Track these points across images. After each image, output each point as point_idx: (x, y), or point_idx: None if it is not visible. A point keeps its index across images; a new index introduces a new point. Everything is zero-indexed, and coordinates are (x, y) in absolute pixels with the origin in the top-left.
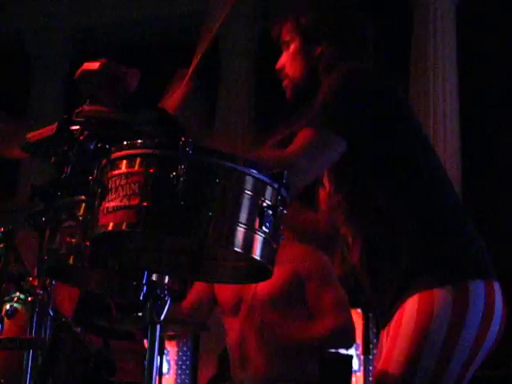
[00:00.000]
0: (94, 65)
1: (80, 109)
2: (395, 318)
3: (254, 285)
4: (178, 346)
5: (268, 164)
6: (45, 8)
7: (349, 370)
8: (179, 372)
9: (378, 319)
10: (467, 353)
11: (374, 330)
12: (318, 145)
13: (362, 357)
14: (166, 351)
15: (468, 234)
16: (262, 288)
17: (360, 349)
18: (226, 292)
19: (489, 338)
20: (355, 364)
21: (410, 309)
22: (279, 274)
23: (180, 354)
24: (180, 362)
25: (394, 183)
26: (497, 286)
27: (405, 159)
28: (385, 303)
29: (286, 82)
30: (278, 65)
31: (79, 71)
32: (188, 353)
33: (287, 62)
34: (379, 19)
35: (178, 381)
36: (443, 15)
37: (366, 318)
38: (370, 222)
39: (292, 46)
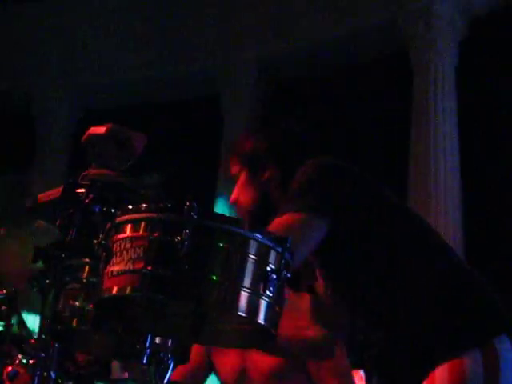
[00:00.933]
0: (101, 129)
1: (86, 172)
2: None
3: (255, 354)
4: None
5: None
6: (50, 68)
7: None
8: None
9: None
10: None
11: None
12: (299, 226)
13: None
14: None
15: (480, 292)
16: (262, 359)
17: None
18: (227, 364)
19: None
20: None
21: (440, 380)
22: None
23: None
24: None
25: (393, 263)
26: None
27: (404, 234)
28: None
29: (241, 213)
30: (232, 199)
31: (86, 135)
32: None
33: (239, 193)
34: (380, 79)
35: None
36: (444, 76)
37: (368, 381)
38: (380, 309)
39: (241, 177)
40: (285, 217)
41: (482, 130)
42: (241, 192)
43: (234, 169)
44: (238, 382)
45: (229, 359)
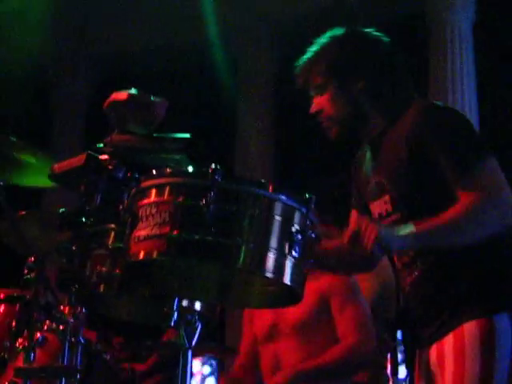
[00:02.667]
0: (123, 95)
1: (109, 138)
2: (451, 341)
3: (286, 311)
4: (202, 367)
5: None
6: (67, 36)
7: None
8: None
9: (415, 340)
10: None
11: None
12: (494, 174)
13: (391, 378)
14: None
15: None
16: (290, 312)
17: (389, 370)
18: (260, 321)
19: None
20: None
21: (471, 334)
22: (307, 298)
23: (205, 376)
24: None
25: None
26: None
27: None
28: (429, 325)
29: (328, 124)
30: (314, 108)
31: (108, 101)
32: (213, 375)
33: (326, 104)
34: (396, 39)
35: None
36: (460, 32)
37: (394, 339)
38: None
39: (329, 88)
40: (477, 176)
41: (500, 88)
42: (328, 103)
43: (317, 79)
44: (268, 337)
45: (262, 317)
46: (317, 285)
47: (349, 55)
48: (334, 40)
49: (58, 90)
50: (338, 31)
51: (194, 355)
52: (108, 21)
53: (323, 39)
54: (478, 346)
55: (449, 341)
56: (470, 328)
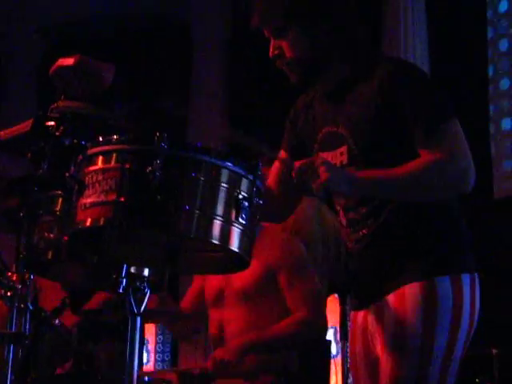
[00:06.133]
0: (69, 60)
1: (55, 104)
2: (392, 302)
3: (233, 279)
4: (156, 335)
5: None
6: (15, 3)
7: (327, 356)
8: (159, 361)
9: (353, 301)
10: (465, 335)
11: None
12: (457, 137)
13: (340, 342)
14: (145, 341)
15: (465, 234)
16: (237, 280)
17: (338, 334)
18: (210, 285)
19: (475, 323)
20: (333, 349)
21: (412, 294)
22: (252, 269)
23: (159, 343)
24: (159, 352)
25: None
26: (478, 279)
27: None
28: (369, 285)
29: (288, 68)
30: (274, 52)
31: (54, 67)
32: (168, 342)
33: (287, 47)
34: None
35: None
36: None
37: (343, 304)
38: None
39: (290, 31)
40: (437, 136)
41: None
42: (289, 46)
43: (276, 21)
44: (215, 301)
45: (212, 279)
46: (265, 256)
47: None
48: None
49: (7, 59)
50: None
51: (147, 321)
52: None
53: None
54: (420, 308)
55: (389, 301)
56: (411, 290)
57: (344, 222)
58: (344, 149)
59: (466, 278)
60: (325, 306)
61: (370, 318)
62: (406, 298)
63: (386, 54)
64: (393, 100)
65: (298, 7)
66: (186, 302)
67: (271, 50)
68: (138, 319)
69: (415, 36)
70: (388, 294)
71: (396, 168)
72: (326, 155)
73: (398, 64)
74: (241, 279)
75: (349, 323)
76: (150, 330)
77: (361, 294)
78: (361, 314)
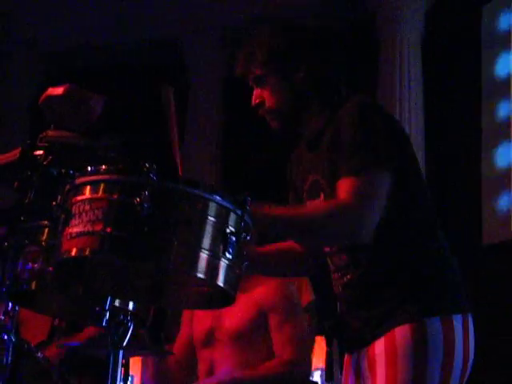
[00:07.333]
0: (58, 90)
1: (44, 134)
2: (383, 345)
3: (223, 319)
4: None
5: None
6: (10, 32)
7: None
8: None
9: (343, 345)
10: (459, 375)
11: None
12: (372, 187)
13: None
14: (130, 377)
15: (453, 274)
16: (228, 319)
17: (324, 375)
18: (198, 328)
19: (469, 365)
20: None
21: (403, 337)
22: (245, 308)
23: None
24: None
25: (397, 217)
26: (471, 319)
27: (412, 197)
28: (360, 329)
29: (270, 117)
30: (255, 100)
31: (43, 96)
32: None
33: (267, 95)
34: (346, 52)
35: None
36: (410, 46)
37: (329, 345)
38: (366, 249)
39: (269, 79)
40: (352, 179)
41: (447, 103)
42: (269, 95)
43: (257, 70)
44: (205, 342)
45: (201, 321)
46: (255, 297)
47: (287, 44)
48: (272, 30)
49: (2, 84)
50: (276, 23)
51: (132, 355)
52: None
53: (260, 30)
54: (410, 350)
55: (380, 345)
56: (401, 332)
57: (331, 267)
58: (322, 196)
59: (458, 318)
60: (311, 350)
61: (363, 363)
62: (396, 340)
63: (358, 95)
64: (337, 139)
65: (275, 55)
66: (177, 348)
67: (253, 98)
68: (120, 353)
69: (411, 87)
70: (379, 337)
71: (304, 208)
72: (313, 203)
73: (352, 105)
74: (233, 318)
75: (335, 365)
76: (136, 365)
77: (351, 337)
78: (353, 357)
